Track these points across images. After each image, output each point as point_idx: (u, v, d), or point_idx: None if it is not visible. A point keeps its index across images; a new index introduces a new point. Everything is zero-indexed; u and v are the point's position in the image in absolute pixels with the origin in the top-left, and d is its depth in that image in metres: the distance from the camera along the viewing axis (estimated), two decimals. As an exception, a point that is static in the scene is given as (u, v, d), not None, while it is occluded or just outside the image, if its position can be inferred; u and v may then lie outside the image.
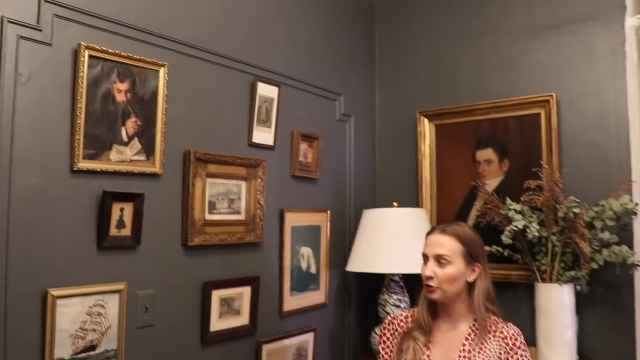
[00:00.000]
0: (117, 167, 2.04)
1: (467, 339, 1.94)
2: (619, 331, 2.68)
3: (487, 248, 2.67)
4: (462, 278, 1.94)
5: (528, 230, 2.50)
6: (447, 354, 1.95)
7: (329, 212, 3.00)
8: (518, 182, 2.73)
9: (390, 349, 2.06)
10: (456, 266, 1.93)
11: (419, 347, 1.96)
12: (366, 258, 2.83)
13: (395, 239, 2.74)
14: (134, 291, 2.10)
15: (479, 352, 1.91)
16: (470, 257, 1.95)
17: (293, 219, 2.76)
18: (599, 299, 2.72)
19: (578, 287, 2.62)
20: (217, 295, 2.39)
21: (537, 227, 2.52)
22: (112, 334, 2.02)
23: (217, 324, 2.39)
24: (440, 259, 1.94)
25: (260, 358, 2.57)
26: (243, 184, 2.52)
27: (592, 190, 2.68)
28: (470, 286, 1.96)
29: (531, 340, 2.69)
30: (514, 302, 2.91)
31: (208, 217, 2.36)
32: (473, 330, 1.95)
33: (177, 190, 2.27)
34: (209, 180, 2.36)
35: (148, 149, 2.14)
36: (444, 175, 3.13)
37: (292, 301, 2.76)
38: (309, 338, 2.84)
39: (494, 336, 1.91)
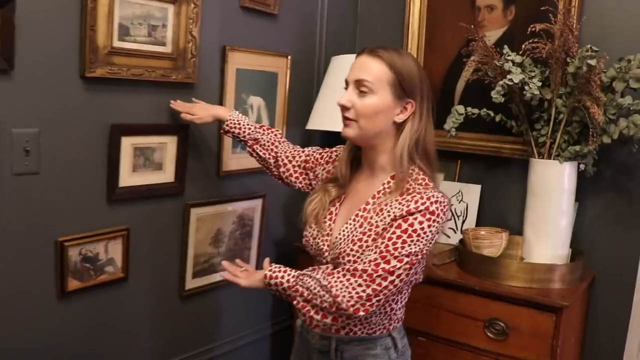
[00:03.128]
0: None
1: (374, 196, 1.53)
2: (624, 224, 2.21)
3: (475, 111, 2.19)
4: (386, 114, 1.49)
5: (527, 88, 1.96)
6: (351, 210, 1.56)
7: (290, 57, 2.45)
8: (524, 34, 2.12)
9: (314, 166, 1.82)
10: (380, 97, 1.48)
11: (325, 202, 1.62)
12: (332, 114, 2.33)
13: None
14: (7, 128, 1.64)
15: (377, 214, 1.49)
16: (402, 89, 1.48)
17: (240, 60, 2.23)
18: (605, 183, 2.22)
19: (582, 167, 2.11)
20: (129, 143, 1.92)
21: (539, 84, 1.97)
22: (-25, 178, 1.60)
23: (129, 178, 1.95)
24: (361, 86, 1.49)
25: (187, 223, 2.15)
26: (170, 8, 1.97)
27: (617, 45, 2.09)
28: (400, 131, 1.51)
29: (518, 227, 2.24)
30: (504, 182, 2.43)
31: (118, 44, 1.84)
32: (385, 188, 1.52)
33: (72, 4, 1.74)
34: (118, -5, 1.83)
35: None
36: (436, 23, 2.54)
37: (235, 160, 2.29)
38: (255, 205, 2.41)
39: (402, 199, 1.45)
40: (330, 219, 1.60)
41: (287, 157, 1.87)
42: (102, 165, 1.88)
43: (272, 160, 1.89)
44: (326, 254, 1.56)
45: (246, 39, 2.27)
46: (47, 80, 1.71)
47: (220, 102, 2.20)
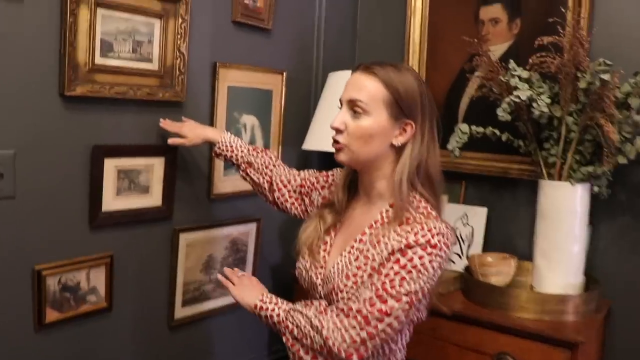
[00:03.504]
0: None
1: (371, 226, 1.40)
2: (642, 250, 2.07)
3: (480, 129, 2.07)
4: (382, 137, 1.37)
5: (535, 105, 1.84)
6: (347, 241, 1.43)
7: (285, 73, 2.34)
8: (531, 48, 2.00)
9: (310, 191, 1.69)
10: (375, 118, 1.35)
11: (321, 230, 1.49)
12: (330, 134, 2.21)
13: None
14: (-21, 149, 1.54)
15: (373, 246, 1.36)
16: (400, 110, 1.36)
17: (232, 77, 2.13)
18: (620, 206, 2.09)
19: (595, 189, 1.98)
20: (112, 165, 1.82)
21: (548, 101, 1.85)
22: (-57, 204, 1.49)
23: (113, 202, 1.84)
24: (354, 106, 1.37)
25: (176, 249, 2.03)
26: (157, 23, 1.87)
27: (631, 58, 1.98)
28: (399, 155, 1.39)
29: (527, 252, 2.11)
30: (512, 205, 2.30)
31: (100, 60, 1.74)
32: (383, 217, 1.40)
33: (51, 19, 1.64)
34: (101, 11, 1.72)
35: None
36: (438, 38, 2.43)
37: (227, 182, 2.18)
38: (249, 230, 2.29)
39: (401, 230, 1.32)
40: (324, 250, 1.48)
41: (282, 181, 1.75)
42: (84, 189, 1.78)
43: (266, 185, 1.78)
44: (319, 287, 1.44)
45: (238, 54, 2.17)
46: (23, 99, 1.61)
47: (211, 122, 2.09)
